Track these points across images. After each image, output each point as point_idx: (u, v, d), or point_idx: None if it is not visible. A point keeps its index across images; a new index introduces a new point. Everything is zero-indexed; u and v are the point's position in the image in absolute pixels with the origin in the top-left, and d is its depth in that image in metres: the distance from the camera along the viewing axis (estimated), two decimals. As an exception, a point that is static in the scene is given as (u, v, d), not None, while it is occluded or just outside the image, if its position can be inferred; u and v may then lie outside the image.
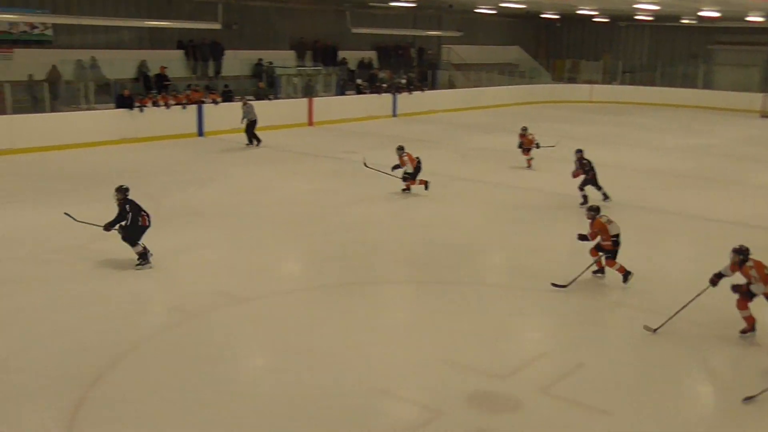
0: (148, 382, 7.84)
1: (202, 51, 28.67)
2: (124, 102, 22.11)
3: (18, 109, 20.61)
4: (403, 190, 16.24)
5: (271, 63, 29.56)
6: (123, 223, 10.96)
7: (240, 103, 22.82)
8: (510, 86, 37.51)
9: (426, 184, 16.14)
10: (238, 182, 17.44)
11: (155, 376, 8.01)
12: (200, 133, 23.84)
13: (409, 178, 16.02)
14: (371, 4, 33.16)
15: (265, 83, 27.81)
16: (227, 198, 15.77)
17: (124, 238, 11.04)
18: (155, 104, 22.84)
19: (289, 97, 28.56)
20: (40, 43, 25.82)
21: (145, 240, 11.08)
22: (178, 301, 9.99)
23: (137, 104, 22.26)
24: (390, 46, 37.00)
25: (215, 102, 24.42)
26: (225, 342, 8.88)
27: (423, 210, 15.33)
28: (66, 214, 11.64)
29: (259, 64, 29.57)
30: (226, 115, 23.82)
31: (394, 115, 30.64)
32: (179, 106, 23.30)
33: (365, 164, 16.57)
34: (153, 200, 15.25)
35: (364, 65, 34.37)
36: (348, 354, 8.58)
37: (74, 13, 25.95)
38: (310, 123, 27.42)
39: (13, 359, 8.26)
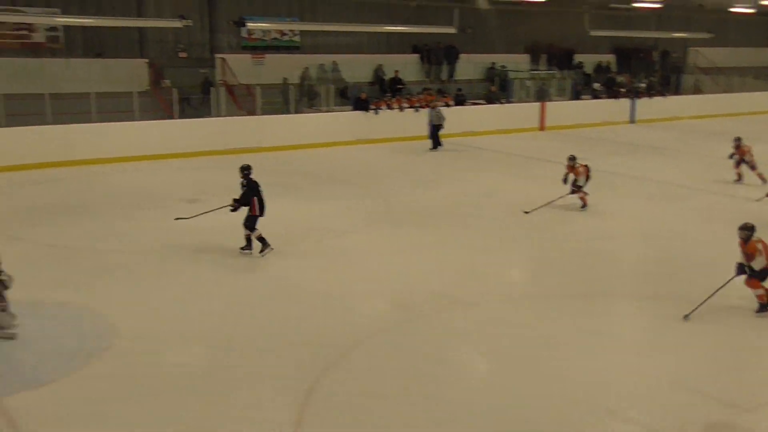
0: (373, 378, 7.91)
1: (437, 55, 29.04)
2: (361, 104, 22.92)
3: (266, 111, 22.04)
4: (582, 207, 15.05)
5: (504, 66, 29.28)
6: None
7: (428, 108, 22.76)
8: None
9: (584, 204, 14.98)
10: (466, 185, 17.35)
11: (380, 372, 8.07)
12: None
13: (579, 190, 14.90)
14: (612, 5, 31.78)
15: (497, 87, 27.57)
16: (453, 200, 15.72)
17: (246, 223, 11.47)
18: (389, 107, 23.45)
19: (521, 101, 28.12)
20: (289, 48, 27.55)
21: (385, 236, 11.26)
22: (400, 300, 10.03)
23: (372, 107, 22.97)
24: (629, 49, 35.23)
25: (447, 105, 24.59)
26: (448, 344, 8.75)
27: (656, 223, 14.28)
28: (178, 218, 12.43)
29: (491, 68, 29.42)
30: (457, 118, 23.90)
31: (632, 121, 29.13)
32: (412, 109, 23.72)
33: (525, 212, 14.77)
34: (383, 199, 15.66)
35: (601, 69, 33.06)
36: (571, 367, 8.09)
37: (319, 20, 27.43)
38: (542, 127, 26.78)
39: (247, 345, 8.69)
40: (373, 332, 9.06)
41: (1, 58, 21.49)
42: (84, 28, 23.43)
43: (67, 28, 23.31)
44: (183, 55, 25.27)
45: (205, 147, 19.83)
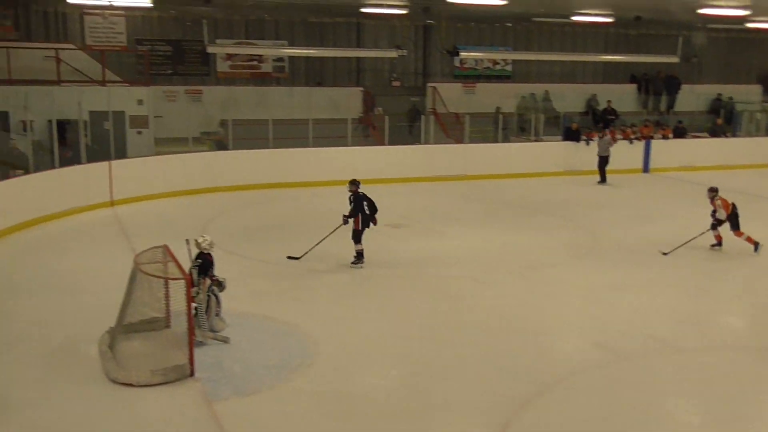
0: (572, 420, 7.63)
1: (656, 85, 27.78)
2: (571, 135, 22.35)
3: (474, 139, 22.13)
4: (712, 245, 13.69)
5: (731, 98, 27.39)
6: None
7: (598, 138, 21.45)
8: None
9: (756, 245, 13.43)
10: (680, 222, 16.28)
11: (580, 414, 7.76)
12: (645, 169, 23.00)
13: (718, 226, 13.57)
14: None
15: (722, 119, 25.84)
16: (667, 237, 14.81)
17: (353, 237, 12.10)
18: (602, 138, 22.64)
19: (749, 135, 26.11)
20: (500, 78, 27.58)
21: (589, 271, 10.88)
22: (604, 340, 9.56)
23: (584, 137, 22.33)
24: None
25: (665, 137, 23.38)
26: (655, 390, 8.21)
27: None
28: (289, 257, 12.47)
29: (717, 99, 27.62)
30: (676, 151, 22.67)
31: None
32: (626, 141, 22.77)
33: None
34: (589, 232, 15.12)
35: None
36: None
37: (533, 49, 27.21)
38: (774, 164, 24.66)
39: (444, 371, 8.67)
40: (574, 371, 8.73)
41: (234, 87, 23.37)
42: (307, 59, 24.93)
43: (292, 59, 24.92)
44: (396, 83, 26.09)
45: (412, 173, 20.25)
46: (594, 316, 10.46)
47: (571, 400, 8.08)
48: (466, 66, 27.11)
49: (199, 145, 20.15)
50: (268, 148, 19.15)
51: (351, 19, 25.17)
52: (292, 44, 24.46)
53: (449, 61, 26.43)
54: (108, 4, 19.91)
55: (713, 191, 13.75)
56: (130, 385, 8.13)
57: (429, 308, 10.67)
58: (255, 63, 24.61)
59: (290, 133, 19.40)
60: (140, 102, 19.23)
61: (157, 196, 17.14)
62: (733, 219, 13.60)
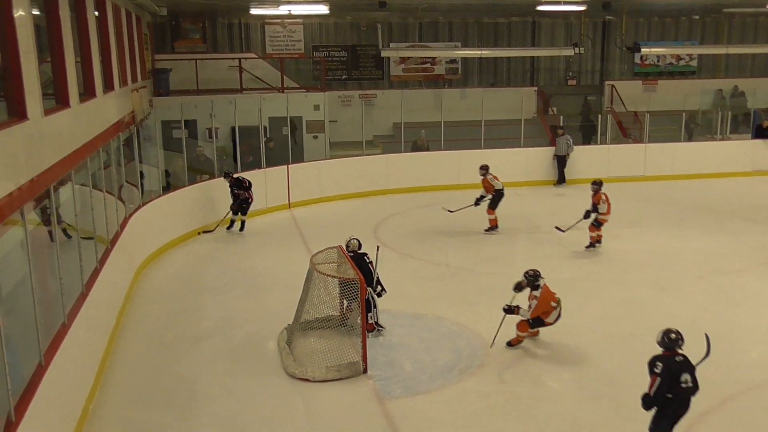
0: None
1: None
2: (762, 133, 20.77)
3: (654, 139, 21.10)
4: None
5: None
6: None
7: None
8: None
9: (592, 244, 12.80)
10: None
11: (761, 427, 7.39)
12: None
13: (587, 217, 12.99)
14: None
15: None
16: None
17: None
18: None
19: None
20: (683, 74, 26.14)
21: None
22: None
23: (777, 135, 20.66)
24: None
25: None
26: None
27: None
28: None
29: None
30: None
31: None
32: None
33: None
34: None
35: None
36: None
37: (722, 42, 25.54)
38: None
39: (621, 376, 8.34)
40: (759, 383, 8.23)
41: (407, 90, 23.68)
42: (480, 59, 24.79)
43: (465, 60, 24.86)
44: (572, 82, 25.39)
45: (586, 174, 19.61)
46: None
47: (752, 413, 7.66)
48: (646, 62, 25.89)
49: (372, 149, 20.58)
50: (440, 150, 19.24)
51: (527, 18, 24.75)
52: (465, 45, 24.43)
53: (629, 58, 25.35)
54: (287, 13, 20.78)
55: (597, 185, 13.28)
56: (307, 380, 8.43)
57: (604, 313, 10.30)
58: (428, 65, 24.79)
59: (462, 135, 19.38)
60: (317, 107, 19.92)
61: (331, 198, 17.69)
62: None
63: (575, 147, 19.52)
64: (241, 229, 14.91)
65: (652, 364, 6.42)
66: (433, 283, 11.81)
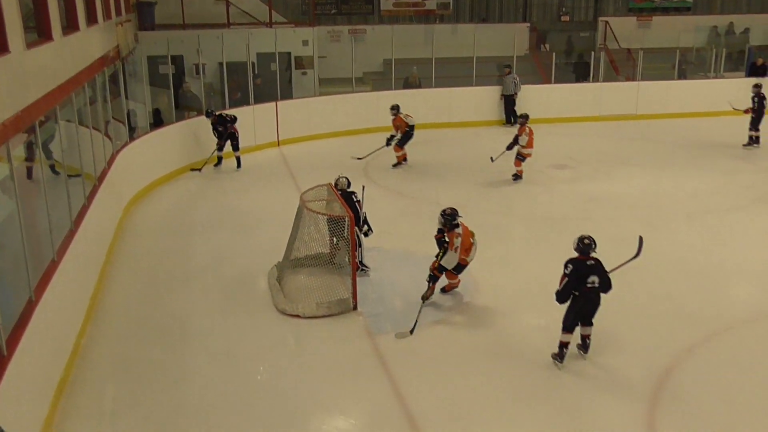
0: (738, 367, 7.39)
1: None
2: (756, 71, 20.59)
3: (647, 77, 20.90)
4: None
5: None
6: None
7: None
8: None
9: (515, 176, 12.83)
10: None
11: (747, 362, 7.49)
12: None
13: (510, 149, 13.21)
14: None
15: None
16: None
17: None
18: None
19: None
20: (678, 10, 25.81)
21: None
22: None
23: (771, 73, 20.52)
24: None
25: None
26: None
27: None
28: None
29: None
30: None
31: None
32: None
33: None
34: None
35: None
36: None
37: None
38: None
39: (609, 313, 8.42)
40: (746, 319, 8.34)
41: (397, 25, 23.28)
42: (472, -5, 24.39)
43: (457, -5, 24.45)
44: (565, 18, 25.05)
45: (578, 113, 19.50)
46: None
47: (739, 348, 7.78)
48: (643, -2, 25.53)
49: (362, 86, 20.33)
50: (431, 87, 19.03)
51: (519, -48, 24.34)
52: (456, -20, 24.03)
53: (625, -6, 25.03)
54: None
55: (523, 118, 13.61)
56: (297, 316, 8.47)
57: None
58: (419, 0, 24.37)
59: (453, 72, 19.14)
60: (305, 43, 19.56)
61: (320, 136, 17.55)
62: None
63: (522, 86, 19.20)
64: (238, 166, 14.84)
65: (565, 266, 7.29)
66: (423, 221, 11.77)
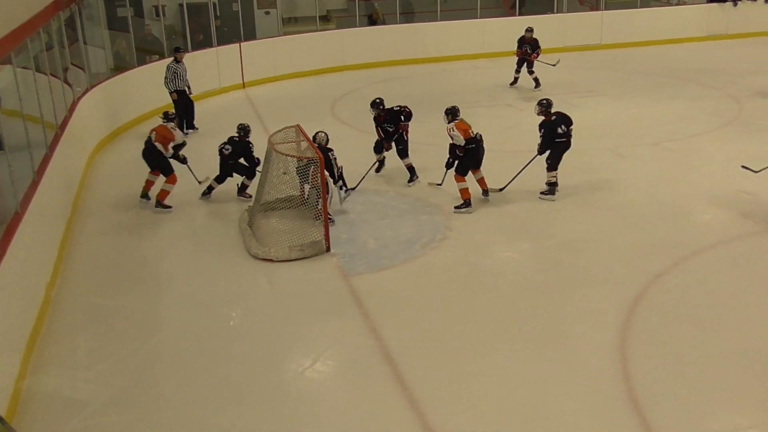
0: (708, 291, 7.55)
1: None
2: (718, -4, 20.58)
3: (611, 6, 20.76)
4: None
5: None
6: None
7: None
8: None
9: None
10: None
11: (717, 284, 7.69)
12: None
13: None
14: None
15: None
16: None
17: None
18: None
19: None
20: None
21: (735, 141, 10.31)
22: (748, 210, 9.24)
23: (732, -2, 20.49)
24: None
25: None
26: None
27: None
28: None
29: None
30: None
31: None
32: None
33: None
34: (735, 102, 14.14)
35: None
36: None
37: None
38: None
39: (581, 244, 8.53)
40: (713, 243, 8.50)
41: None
42: None
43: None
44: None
45: (544, 44, 19.33)
46: (736, 187, 9.94)
47: (704, 273, 7.92)
48: None
49: (326, 24, 19.95)
50: (395, 23, 18.75)
51: None
52: None
53: None
54: None
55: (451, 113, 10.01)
56: (270, 260, 8.45)
57: (564, 182, 10.36)
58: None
59: (419, 7, 18.85)
60: (268, -21, 19.05)
61: (286, 76, 17.27)
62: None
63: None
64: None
65: (539, 129, 9.50)
66: (395, 159, 11.73)
